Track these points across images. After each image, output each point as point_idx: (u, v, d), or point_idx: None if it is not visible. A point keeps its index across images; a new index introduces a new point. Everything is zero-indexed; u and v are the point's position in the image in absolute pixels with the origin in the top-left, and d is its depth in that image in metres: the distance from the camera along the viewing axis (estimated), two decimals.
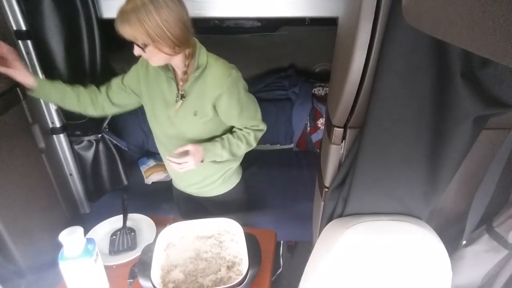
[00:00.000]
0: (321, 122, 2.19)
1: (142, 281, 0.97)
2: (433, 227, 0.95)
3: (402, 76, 0.73)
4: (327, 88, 2.28)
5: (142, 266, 1.00)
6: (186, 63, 1.11)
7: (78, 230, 0.95)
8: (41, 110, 1.52)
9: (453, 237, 1.03)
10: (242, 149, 1.26)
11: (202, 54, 1.13)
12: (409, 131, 0.80)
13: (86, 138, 1.66)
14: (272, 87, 2.39)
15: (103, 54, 1.50)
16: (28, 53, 1.41)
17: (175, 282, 1.02)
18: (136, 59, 1.17)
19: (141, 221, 1.34)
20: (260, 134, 1.29)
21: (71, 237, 0.93)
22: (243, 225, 1.12)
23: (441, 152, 0.81)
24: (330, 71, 1.05)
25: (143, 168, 2.14)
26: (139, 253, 1.07)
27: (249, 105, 1.22)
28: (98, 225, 1.32)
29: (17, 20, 1.35)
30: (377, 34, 0.72)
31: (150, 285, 0.95)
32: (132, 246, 1.23)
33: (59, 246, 0.94)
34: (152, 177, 2.08)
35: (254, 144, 1.28)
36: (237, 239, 1.12)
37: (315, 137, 2.22)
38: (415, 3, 0.53)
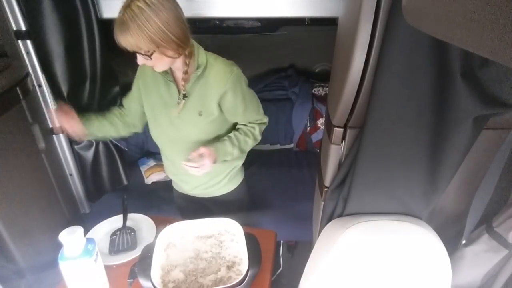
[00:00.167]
0: (321, 122, 2.19)
1: (142, 281, 0.97)
2: (433, 227, 0.95)
3: (402, 76, 0.73)
4: (327, 88, 2.28)
5: (142, 266, 1.00)
6: (187, 63, 1.10)
7: (78, 230, 0.95)
8: (41, 110, 1.52)
9: (453, 237, 1.03)
10: (249, 144, 1.27)
11: (201, 53, 1.13)
12: (409, 131, 0.80)
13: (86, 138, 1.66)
14: (272, 87, 2.39)
15: (103, 54, 1.50)
16: (28, 53, 1.42)
17: (175, 282, 1.02)
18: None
19: (141, 221, 1.34)
20: (263, 127, 1.31)
21: (71, 237, 0.93)
22: (243, 225, 1.12)
23: (441, 152, 0.81)
24: (330, 71, 1.05)
25: (143, 168, 2.14)
26: (139, 253, 1.07)
27: (252, 100, 1.24)
28: (98, 225, 1.32)
29: (17, 20, 1.36)
30: (377, 34, 0.72)
31: (150, 285, 0.95)
32: (132, 246, 1.23)
33: (59, 246, 0.94)
34: (152, 177, 2.08)
35: (259, 138, 1.29)
36: (237, 239, 1.12)
37: (315, 137, 2.22)
38: (415, 3, 0.53)
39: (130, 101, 1.30)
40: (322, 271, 0.95)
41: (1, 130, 1.18)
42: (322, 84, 2.34)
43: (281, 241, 1.99)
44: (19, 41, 1.38)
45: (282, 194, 1.96)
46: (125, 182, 1.85)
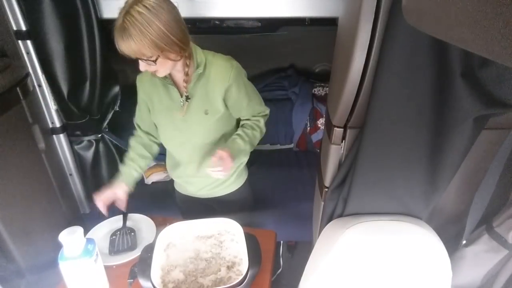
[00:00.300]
0: (321, 122, 2.19)
1: (142, 281, 0.97)
2: (433, 227, 0.95)
3: (402, 76, 0.73)
4: (327, 88, 2.28)
5: (142, 266, 1.00)
6: (187, 63, 1.10)
7: (78, 230, 0.95)
8: (41, 110, 1.52)
9: (453, 237, 1.03)
10: (257, 138, 1.27)
11: (198, 52, 1.13)
12: (409, 131, 0.80)
13: (86, 138, 1.66)
14: (272, 87, 2.39)
15: (103, 54, 1.50)
16: (28, 53, 1.42)
17: (175, 282, 1.02)
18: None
19: (141, 221, 1.34)
20: (266, 119, 1.32)
21: (71, 237, 0.93)
22: (243, 225, 1.12)
23: (441, 152, 0.81)
24: (330, 71, 1.05)
25: None
26: (139, 253, 1.07)
27: (254, 91, 1.24)
28: (98, 225, 1.32)
29: (17, 20, 1.36)
30: (377, 34, 0.72)
31: (150, 285, 0.95)
32: (132, 246, 1.23)
33: (59, 246, 0.94)
34: (152, 177, 2.08)
35: (264, 130, 1.30)
36: (237, 239, 1.12)
37: (315, 137, 2.22)
38: (415, 3, 0.53)
39: (145, 118, 1.28)
40: (322, 271, 0.95)
41: (1, 130, 1.18)
42: (322, 84, 2.33)
43: (281, 241, 1.99)
44: (19, 41, 1.38)
45: (282, 194, 1.96)
46: None
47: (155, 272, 0.98)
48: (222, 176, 1.14)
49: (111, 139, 1.75)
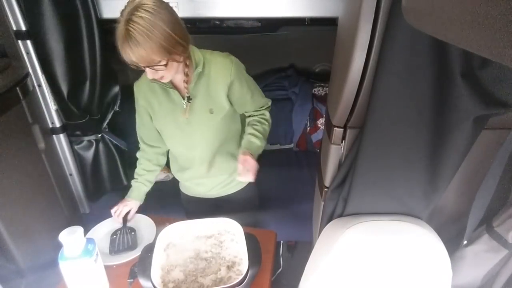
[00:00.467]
0: (321, 122, 2.19)
1: (142, 281, 0.97)
2: (433, 227, 0.95)
3: (402, 76, 0.73)
4: (327, 88, 2.28)
5: (142, 266, 1.00)
6: (187, 64, 1.09)
7: (78, 230, 0.95)
8: (41, 110, 1.52)
9: (453, 237, 1.03)
10: (268, 130, 1.29)
11: (195, 51, 1.12)
12: (409, 131, 0.80)
13: (86, 138, 1.66)
14: (272, 87, 2.39)
15: (103, 54, 1.50)
16: (28, 53, 1.42)
17: (175, 282, 1.02)
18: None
19: (141, 221, 1.34)
20: (269, 110, 1.33)
21: (71, 237, 0.93)
22: (243, 225, 1.12)
23: (441, 152, 0.81)
24: (330, 71, 1.05)
25: None
26: (139, 253, 1.07)
27: (254, 85, 1.25)
28: (98, 225, 1.32)
29: (17, 20, 1.36)
30: (377, 34, 0.72)
31: (150, 285, 0.95)
32: (132, 246, 1.23)
33: (59, 246, 0.94)
34: None
35: (271, 121, 1.31)
36: (237, 239, 1.12)
37: (315, 137, 2.22)
38: (415, 3, 0.53)
39: (148, 126, 1.27)
40: (322, 271, 0.95)
41: (1, 130, 1.18)
42: (322, 84, 2.33)
43: (281, 241, 1.99)
44: (19, 41, 1.38)
45: (282, 194, 1.96)
46: (125, 182, 1.85)
47: (155, 272, 0.98)
48: (252, 179, 1.15)
49: (111, 139, 1.75)
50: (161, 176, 2.07)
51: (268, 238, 1.25)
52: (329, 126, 0.98)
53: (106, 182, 1.80)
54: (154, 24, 0.90)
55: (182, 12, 1.31)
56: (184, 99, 1.14)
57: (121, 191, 1.78)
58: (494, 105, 0.70)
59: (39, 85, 1.49)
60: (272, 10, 1.35)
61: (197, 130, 1.20)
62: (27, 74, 1.41)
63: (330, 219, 1.02)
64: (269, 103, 1.33)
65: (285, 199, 1.91)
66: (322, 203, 1.05)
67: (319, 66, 2.56)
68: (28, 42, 1.39)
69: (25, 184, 1.31)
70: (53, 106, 1.54)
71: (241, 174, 1.13)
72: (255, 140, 1.21)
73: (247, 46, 2.45)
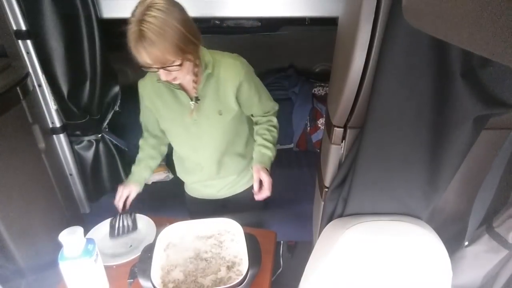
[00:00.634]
0: (321, 122, 2.19)
1: (142, 281, 0.97)
2: (433, 227, 0.94)
3: (402, 76, 0.73)
4: (327, 88, 2.28)
5: (142, 266, 1.00)
6: (197, 63, 1.06)
7: (78, 230, 0.95)
8: (41, 110, 1.52)
9: (453, 237, 1.03)
10: (276, 136, 1.29)
11: (205, 52, 1.11)
12: (409, 131, 0.80)
13: (86, 138, 1.66)
14: (272, 87, 2.39)
15: (103, 54, 1.50)
16: (28, 53, 1.42)
17: (175, 282, 1.02)
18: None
19: (141, 221, 1.34)
20: (276, 115, 1.32)
21: (71, 237, 0.93)
22: (243, 225, 1.12)
23: (441, 152, 0.81)
24: (330, 71, 1.05)
25: None
26: (139, 253, 1.07)
27: (263, 88, 1.25)
28: (98, 225, 1.32)
29: (17, 20, 1.36)
30: (377, 34, 0.72)
31: (150, 285, 0.95)
32: (133, 227, 1.22)
33: (59, 246, 0.94)
34: (152, 177, 2.07)
35: (278, 126, 1.31)
36: (237, 239, 1.12)
37: (315, 137, 2.22)
38: (415, 3, 0.53)
39: (152, 123, 1.28)
40: (322, 271, 0.95)
41: (1, 130, 1.18)
42: (322, 84, 2.34)
43: (281, 241, 1.99)
44: (19, 41, 1.38)
45: (282, 194, 1.95)
46: None
47: (155, 272, 0.98)
48: (268, 195, 1.17)
49: (111, 139, 1.75)
50: (161, 176, 2.07)
51: (268, 238, 1.24)
52: (329, 126, 0.98)
53: (106, 182, 1.80)
54: (167, 23, 0.89)
55: None
56: (192, 100, 1.13)
57: None
58: (494, 105, 0.70)
59: (39, 85, 1.49)
60: (272, 10, 1.35)
61: (205, 131, 1.19)
62: (27, 74, 1.41)
63: (330, 219, 1.02)
64: (276, 108, 1.32)
65: (285, 199, 1.91)
66: (322, 203, 1.05)
67: (319, 66, 2.56)
68: (28, 42, 1.39)
69: (25, 184, 1.31)
70: (53, 106, 1.54)
71: (258, 194, 1.15)
72: (266, 152, 1.22)
73: (247, 46, 2.45)
